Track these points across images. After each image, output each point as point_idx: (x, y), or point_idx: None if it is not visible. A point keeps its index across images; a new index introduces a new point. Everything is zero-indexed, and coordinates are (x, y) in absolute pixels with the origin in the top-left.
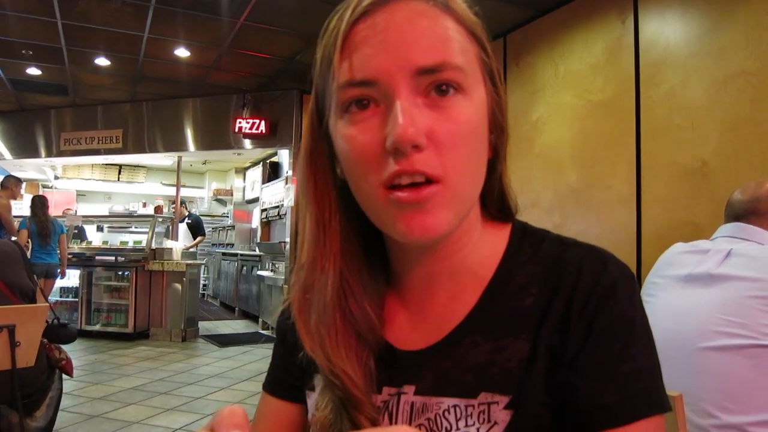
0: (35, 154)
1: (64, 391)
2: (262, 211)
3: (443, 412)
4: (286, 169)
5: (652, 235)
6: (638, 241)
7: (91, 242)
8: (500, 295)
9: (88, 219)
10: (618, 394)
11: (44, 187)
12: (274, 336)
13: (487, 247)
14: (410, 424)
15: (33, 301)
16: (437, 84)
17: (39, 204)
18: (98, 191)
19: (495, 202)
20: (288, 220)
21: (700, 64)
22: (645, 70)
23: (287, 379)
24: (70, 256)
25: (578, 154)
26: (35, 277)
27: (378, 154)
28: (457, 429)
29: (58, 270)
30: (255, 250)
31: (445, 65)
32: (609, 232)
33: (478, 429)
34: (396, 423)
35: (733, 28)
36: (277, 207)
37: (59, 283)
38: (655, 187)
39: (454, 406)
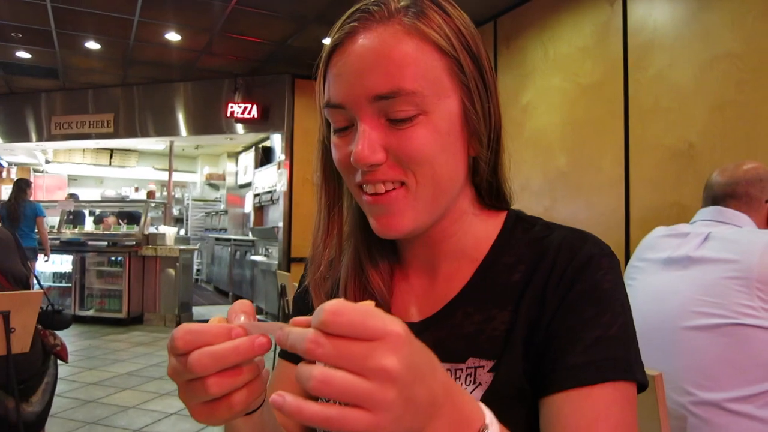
0: (26, 138)
1: (59, 376)
2: (255, 195)
3: None
4: (279, 153)
5: (640, 217)
6: (626, 223)
7: (83, 227)
8: (491, 272)
9: (80, 204)
10: (583, 355)
11: (35, 171)
12: (266, 320)
13: (481, 232)
14: None
15: (27, 287)
16: (394, 110)
17: (15, 187)
18: (90, 176)
19: (488, 193)
20: (281, 205)
21: (687, 47)
22: (633, 53)
23: None
24: (60, 242)
25: (567, 138)
26: (29, 264)
27: (349, 166)
28: None
29: (38, 254)
30: (248, 235)
31: (399, 92)
32: (598, 214)
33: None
34: None
35: (719, 11)
36: (270, 192)
37: (52, 267)
38: (643, 170)
39: (447, 370)
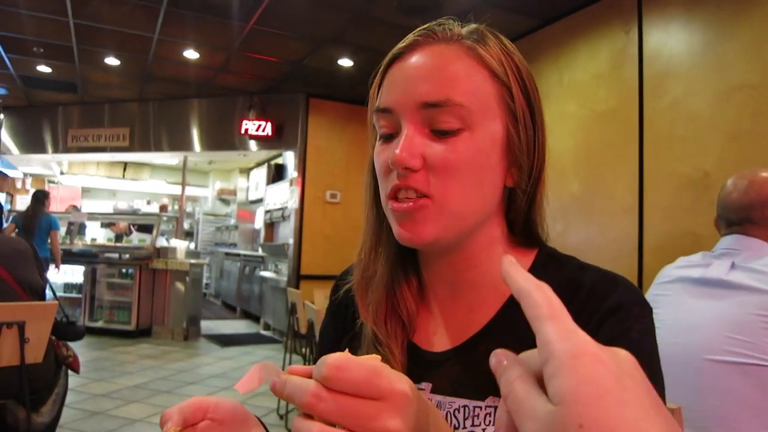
0: (42, 149)
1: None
2: (266, 212)
3: (454, 411)
4: (291, 170)
5: (654, 245)
6: (640, 251)
7: (95, 239)
8: (518, 310)
9: (93, 216)
10: None
11: (50, 182)
12: (274, 337)
13: None
14: None
15: (43, 298)
16: (439, 120)
17: (33, 198)
18: (103, 188)
19: (521, 228)
20: (292, 222)
21: (703, 76)
22: (648, 81)
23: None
24: (71, 253)
25: (581, 163)
26: (45, 275)
27: (389, 169)
28: (464, 427)
29: (49, 265)
30: (258, 251)
31: (448, 102)
32: (611, 241)
33: (483, 430)
34: None
35: (736, 41)
36: (282, 209)
37: (63, 278)
38: (657, 197)
39: (464, 407)
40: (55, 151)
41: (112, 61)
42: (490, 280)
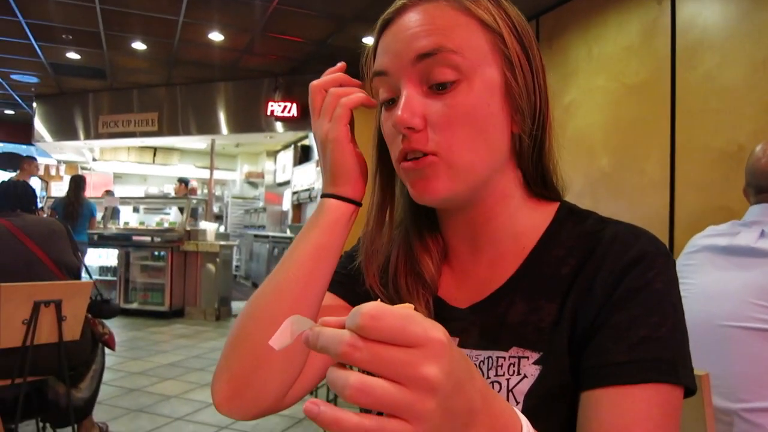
0: (74, 136)
1: (105, 365)
2: (293, 193)
3: (479, 363)
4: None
5: (686, 221)
6: (671, 227)
7: (128, 223)
8: (540, 263)
9: (125, 200)
10: (627, 354)
11: (83, 168)
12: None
13: (529, 220)
14: None
15: (78, 277)
16: (435, 72)
17: (73, 184)
18: (134, 173)
19: (534, 178)
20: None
21: (738, 46)
22: (681, 53)
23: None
24: (105, 236)
25: (610, 138)
26: (82, 256)
27: (395, 134)
28: (488, 378)
29: (87, 248)
30: (286, 232)
31: (441, 48)
32: (641, 216)
33: (508, 380)
34: None
35: None
36: (309, 190)
37: (98, 261)
38: (689, 172)
39: (488, 357)
40: (87, 137)
41: (138, 45)
42: (510, 233)
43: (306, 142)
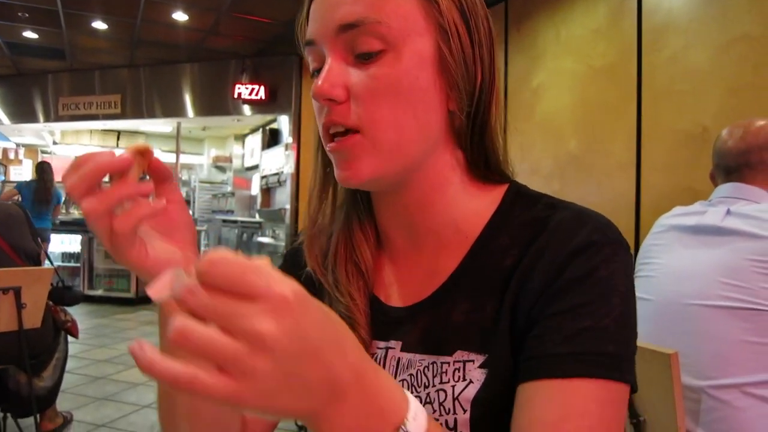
0: (33, 119)
1: (69, 353)
2: (262, 177)
3: (423, 368)
4: (286, 135)
5: (652, 202)
6: (637, 208)
7: None
8: (483, 255)
9: None
10: (565, 345)
11: (43, 152)
12: None
13: (472, 207)
14: (395, 378)
15: (38, 263)
16: (359, 42)
17: (44, 170)
18: None
19: (477, 162)
20: (288, 187)
21: (703, 29)
22: (647, 35)
23: None
24: (68, 222)
25: (579, 121)
26: (39, 240)
27: (320, 108)
28: (433, 385)
29: (50, 235)
30: (255, 217)
31: (363, 20)
32: (609, 198)
33: (453, 387)
34: None
35: None
36: (277, 174)
37: (61, 247)
38: (655, 154)
39: (432, 363)
40: (47, 120)
41: (99, 25)
42: (450, 221)
43: (274, 125)
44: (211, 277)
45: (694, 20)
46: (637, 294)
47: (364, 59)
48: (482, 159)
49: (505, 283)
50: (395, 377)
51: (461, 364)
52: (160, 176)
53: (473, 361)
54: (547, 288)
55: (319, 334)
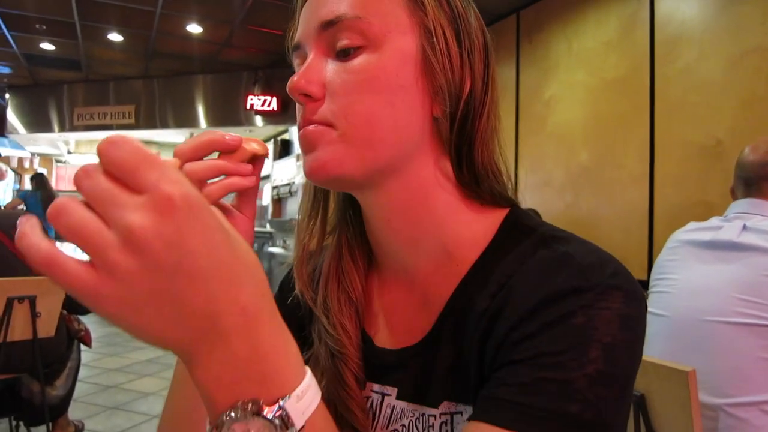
0: (48, 128)
1: (80, 362)
2: (273, 188)
3: (415, 420)
4: (298, 146)
5: (665, 215)
6: (650, 221)
7: None
8: (472, 292)
9: None
10: (518, 394)
11: (57, 161)
12: None
13: (468, 232)
14: (387, 427)
15: None
16: (339, 38)
17: (43, 181)
18: None
19: (464, 179)
20: (299, 198)
21: (717, 41)
22: (660, 47)
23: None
24: None
25: (591, 133)
26: None
27: (299, 107)
28: None
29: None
30: (266, 227)
31: (343, 16)
32: (621, 211)
33: None
34: (377, 423)
35: (750, 4)
36: (289, 184)
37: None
38: (668, 166)
39: (421, 415)
40: (62, 129)
41: (115, 37)
42: (438, 243)
43: (286, 136)
44: (106, 159)
45: (707, 32)
46: (653, 310)
47: (344, 55)
48: (472, 175)
49: (483, 327)
50: (387, 426)
51: (448, 417)
52: (249, 185)
53: (461, 413)
54: (512, 332)
55: (207, 254)
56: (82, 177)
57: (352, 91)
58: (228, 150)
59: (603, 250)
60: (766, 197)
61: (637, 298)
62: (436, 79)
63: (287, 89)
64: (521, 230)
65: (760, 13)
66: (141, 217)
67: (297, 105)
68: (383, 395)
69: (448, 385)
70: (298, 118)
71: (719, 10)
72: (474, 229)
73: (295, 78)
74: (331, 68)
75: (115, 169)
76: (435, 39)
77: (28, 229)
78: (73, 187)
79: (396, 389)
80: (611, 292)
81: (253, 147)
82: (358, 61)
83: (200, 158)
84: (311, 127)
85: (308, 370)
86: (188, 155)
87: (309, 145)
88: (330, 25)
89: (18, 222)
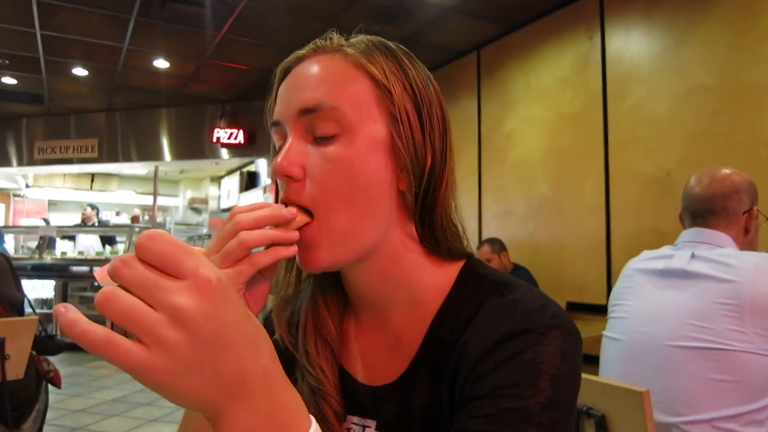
0: (7, 163)
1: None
2: None
3: None
4: (264, 177)
5: (621, 242)
6: (608, 248)
7: (65, 253)
8: (440, 334)
9: (62, 229)
10: (484, 424)
11: (15, 195)
12: None
13: (431, 282)
14: None
15: (22, 313)
16: (317, 125)
17: None
18: (70, 200)
19: (426, 239)
20: None
21: (663, 79)
22: (611, 85)
23: None
24: (42, 267)
25: (550, 164)
26: (23, 289)
27: (281, 185)
28: None
29: None
30: None
31: (321, 105)
32: (580, 239)
33: None
34: None
35: (693, 46)
36: None
37: (34, 294)
38: (623, 196)
39: None
40: (20, 164)
41: (80, 71)
42: (408, 295)
43: (252, 168)
44: (146, 251)
45: (654, 71)
46: (609, 334)
47: (321, 141)
48: (432, 236)
49: (450, 366)
50: None
51: None
52: (292, 255)
53: None
54: (473, 372)
55: (236, 326)
56: (120, 267)
57: (330, 176)
58: (284, 223)
59: (544, 295)
60: (711, 227)
61: (574, 333)
62: (402, 160)
63: (272, 172)
64: (476, 278)
65: (701, 55)
66: (186, 297)
67: (280, 184)
68: (364, 427)
69: (424, 420)
70: (281, 193)
71: (664, 51)
72: (437, 279)
73: (278, 159)
74: (311, 152)
75: (155, 258)
76: (401, 125)
77: (74, 315)
78: (30, 222)
79: (375, 422)
80: (552, 331)
81: (299, 217)
82: (334, 148)
83: (257, 227)
84: (304, 232)
85: (312, 417)
86: (249, 226)
87: (303, 243)
88: (308, 112)
89: (55, 312)
